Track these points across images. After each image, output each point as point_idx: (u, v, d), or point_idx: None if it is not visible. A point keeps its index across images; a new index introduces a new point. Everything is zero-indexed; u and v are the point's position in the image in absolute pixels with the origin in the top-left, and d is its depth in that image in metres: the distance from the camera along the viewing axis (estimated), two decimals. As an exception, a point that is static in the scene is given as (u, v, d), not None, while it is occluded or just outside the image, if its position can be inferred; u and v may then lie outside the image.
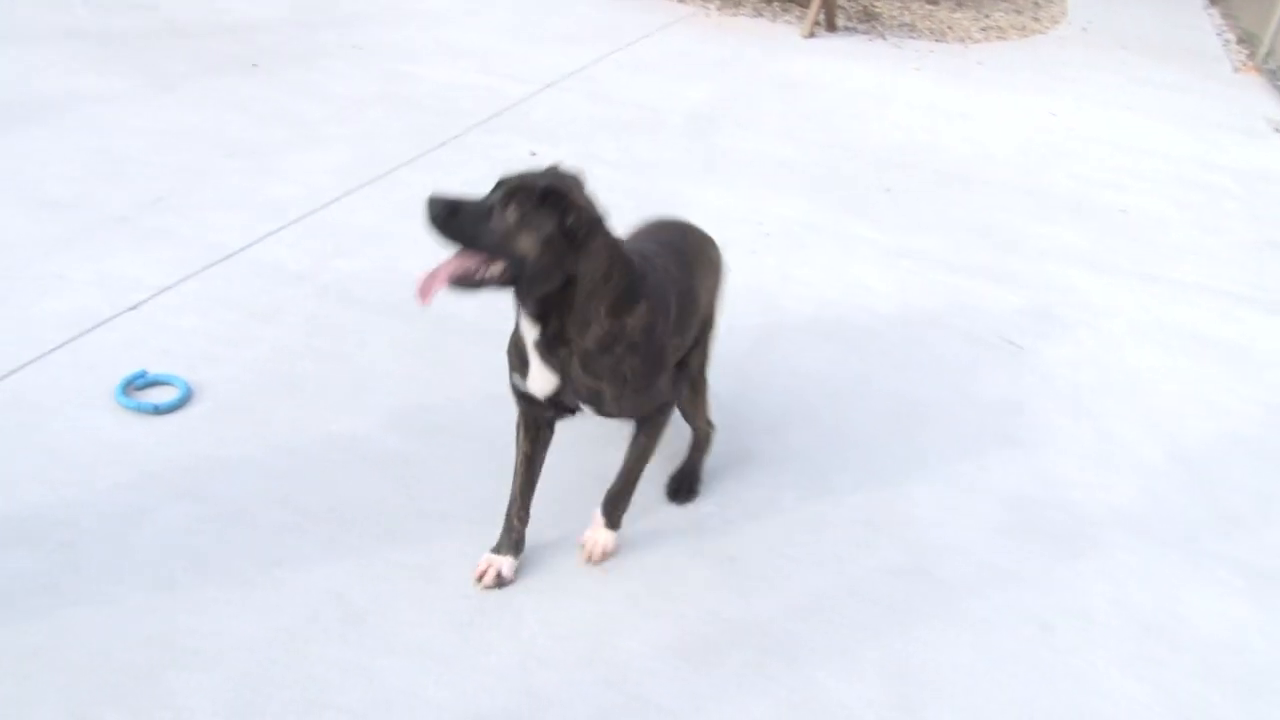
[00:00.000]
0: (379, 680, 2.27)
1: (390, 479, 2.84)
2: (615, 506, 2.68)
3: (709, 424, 3.03)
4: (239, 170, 4.43)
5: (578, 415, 2.52)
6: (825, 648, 2.51)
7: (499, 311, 3.61)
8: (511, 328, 2.46)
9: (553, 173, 2.32)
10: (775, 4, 8.70)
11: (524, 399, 2.50)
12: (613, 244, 2.31)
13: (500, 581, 2.55)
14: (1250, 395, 3.86)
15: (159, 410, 2.96)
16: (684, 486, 3.00)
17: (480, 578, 2.54)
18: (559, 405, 2.47)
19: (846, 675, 2.45)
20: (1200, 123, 7.21)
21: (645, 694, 2.32)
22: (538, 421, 2.57)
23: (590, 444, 3.05)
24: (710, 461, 3.06)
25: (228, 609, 2.39)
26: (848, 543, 2.85)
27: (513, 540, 2.61)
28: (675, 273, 2.59)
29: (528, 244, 2.15)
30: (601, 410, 2.44)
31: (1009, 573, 2.84)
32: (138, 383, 3.05)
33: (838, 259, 4.38)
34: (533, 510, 2.62)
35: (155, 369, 3.11)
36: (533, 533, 2.65)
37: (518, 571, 2.59)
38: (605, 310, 2.29)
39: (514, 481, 2.60)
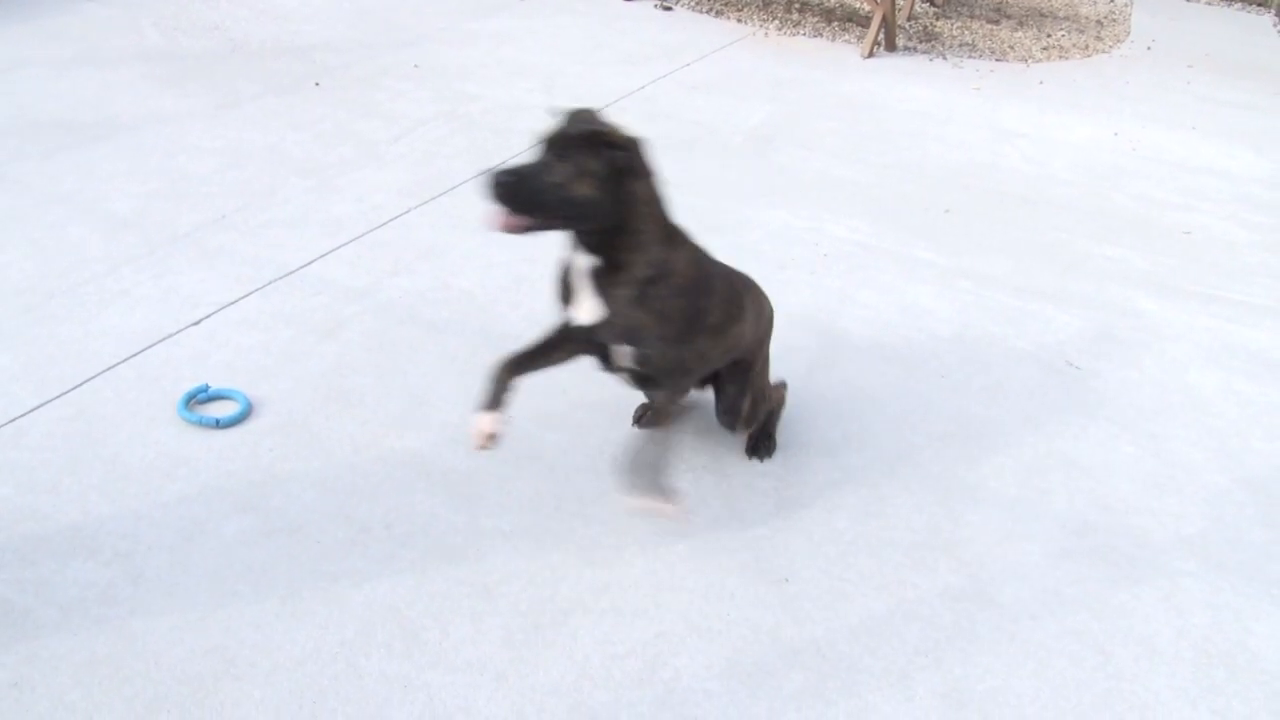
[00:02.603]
0: (433, 696, 2.28)
1: (448, 495, 2.85)
2: (635, 475, 2.55)
3: (780, 388, 3.22)
4: (301, 188, 4.50)
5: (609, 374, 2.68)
6: (883, 672, 2.48)
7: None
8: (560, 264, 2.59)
9: (586, 117, 2.44)
10: (834, 24, 8.68)
11: (562, 336, 2.63)
12: (654, 174, 2.50)
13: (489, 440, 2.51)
14: (1320, 421, 3.78)
15: (220, 424, 3.00)
16: (760, 445, 3.18)
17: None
18: (594, 344, 2.60)
19: (905, 700, 2.42)
20: (1268, 142, 7.07)
21: (700, 715, 2.31)
22: (562, 355, 2.69)
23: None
24: (764, 483, 3.05)
25: (285, 623, 2.41)
26: (905, 566, 2.82)
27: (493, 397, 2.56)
28: (723, 273, 2.77)
29: (586, 190, 2.32)
30: (637, 347, 2.52)
31: (1070, 599, 2.79)
32: (200, 397, 3.10)
33: (897, 280, 4.34)
34: (592, 534, 2.62)
35: (217, 384, 3.16)
36: (588, 553, 2.65)
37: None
38: (656, 238, 2.49)
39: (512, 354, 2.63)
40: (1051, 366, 3.86)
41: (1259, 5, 12.14)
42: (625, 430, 3.21)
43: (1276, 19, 11.55)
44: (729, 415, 2.99)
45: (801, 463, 3.18)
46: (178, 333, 3.42)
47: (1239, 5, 12.19)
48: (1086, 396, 3.74)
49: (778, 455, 3.17)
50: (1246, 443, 3.59)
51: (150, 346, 3.33)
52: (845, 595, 2.69)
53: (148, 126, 4.94)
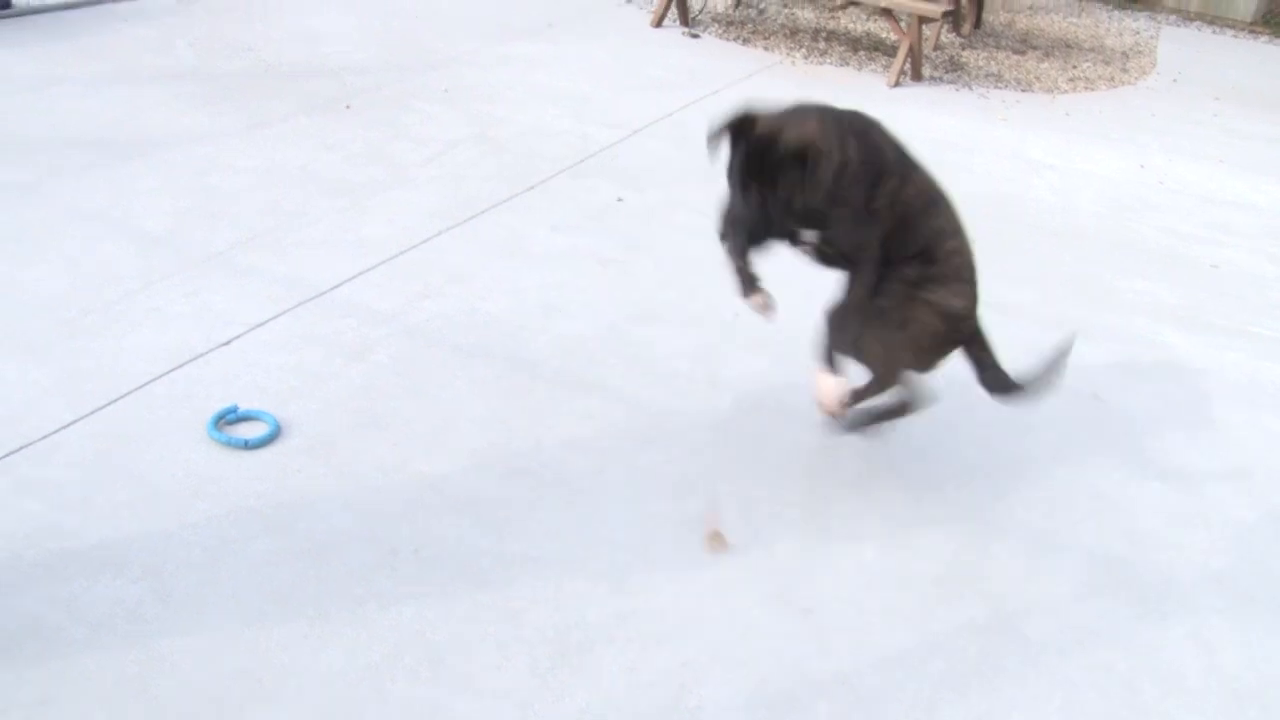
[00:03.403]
0: (459, 721, 2.28)
1: (475, 520, 2.86)
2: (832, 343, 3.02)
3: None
4: (332, 209, 4.53)
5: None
6: (910, 704, 2.47)
7: (586, 357, 3.66)
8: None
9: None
10: (861, 53, 8.71)
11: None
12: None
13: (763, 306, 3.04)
14: (1350, 458, 3.75)
15: (249, 445, 3.02)
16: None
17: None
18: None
19: (929, 735, 2.41)
20: (1296, 176, 7.06)
21: (724, 746, 2.31)
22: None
23: (667, 494, 3.05)
24: (790, 514, 3.05)
25: (312, 644, 2.42)
26: (931, 598, 2.81)
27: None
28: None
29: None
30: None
31: (1096, 633, 2.78)
32: (229, 417, 3.11)
33: (922, 309, 4.34)
34: (618, 561, 2.62)
35: (246, 404, 3.18)
36: (615, 580, 2.66)
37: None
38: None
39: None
40: (1079, 399, 3.85)
41: (1286, 38, 12.13)
42: (651, 456, 3.21)
43: (1304, 52, 11.54)
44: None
45: (828, 494, 3.18)
46: (208, 352, 3.44)
47: (1265, 37, 12.18)
48: (1114, 430, 3.73)
49: (804, 485, 3.17)
50: (1274, 478, 3.57)
51: (181, 365, 3.35)
52: (871, 627, 2.68)
53: (181, 145, 4.99)
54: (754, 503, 3.07)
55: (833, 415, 3.08)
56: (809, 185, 2.73)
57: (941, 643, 2.67)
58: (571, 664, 2.46)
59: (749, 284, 3.03)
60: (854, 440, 3.41)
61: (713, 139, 2.79)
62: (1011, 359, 4.00)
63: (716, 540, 2.89)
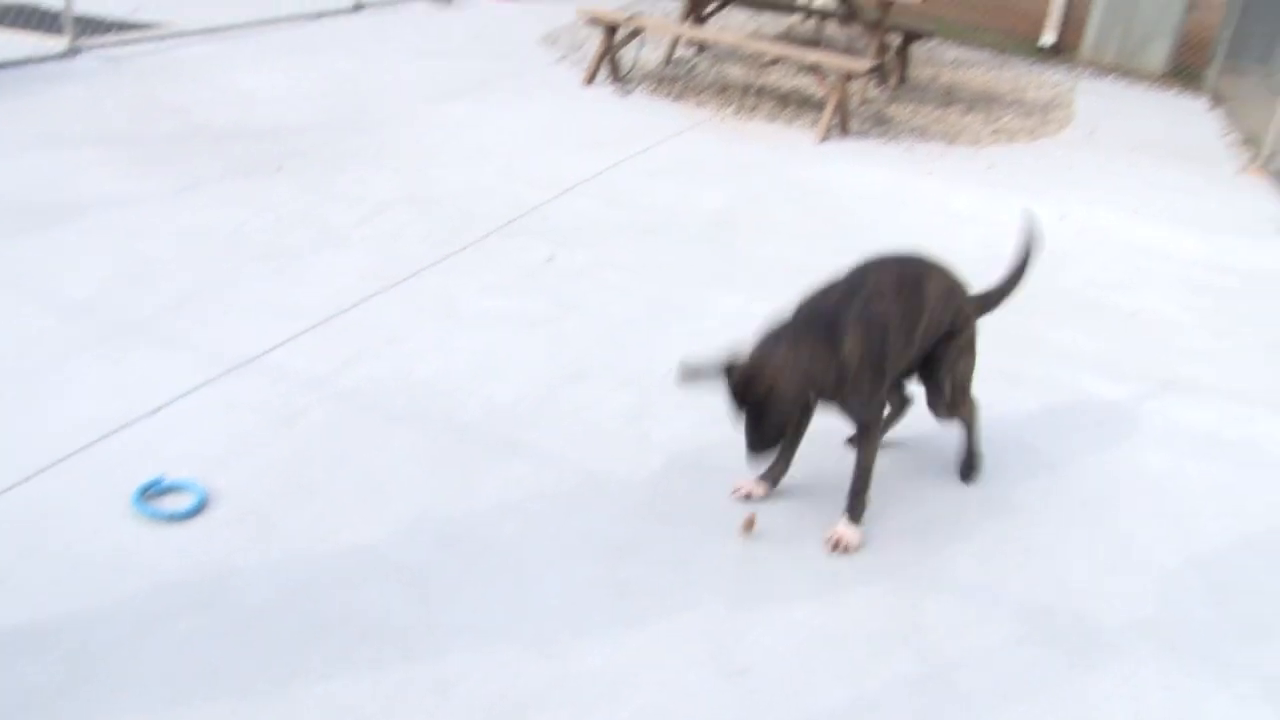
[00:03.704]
0: (390, 797, 2.25)
1: (406, 590, 2.84)
2: (855, 502, 3.29)
3: (971, 407, 3.67)
4: (262, 273, 4.51)
5: None
6: (841, 765, 2.48)
7: (517, 420, 3.66)
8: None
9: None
10: (790, 108, 8.86)
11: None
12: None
13: (749, 495, 3.39)
14: (1266, 499, 3.85)
15: (175, 517, 2.98)
16: (969, 466, 3.74)
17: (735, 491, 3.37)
18: None
19: (863, 794, 2.41)
20: (1208, 224, 7.27)
21: (659, 813, 2.29)
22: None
23: (599, 557, 3.05)
24: (722, 574, 3.06)
25: (240, 722, 2.38)
26: (866, 655, 2.83)
27: (772, 475, 3.45)
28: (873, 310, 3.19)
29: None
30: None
31: (1029, 684, 2.81)
32: (154, 489, 3.07)
33: (852, 363, 4.40)
34: (548, 627, 2.61)
35: (172, 475, 3.14)
36: (545, 646, 2.64)
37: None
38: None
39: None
40: (1006, 449, 3.92)
41: (1194, 90, 12.52)
42: (583, 519, 3.21)
43: (1210, 104, 11.92)
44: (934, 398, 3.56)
45: (760, 553, 3.20)
46: (134, 422, 3.40)
47: (1175, 90, 12.57)
48: (1041, 479, 3.79)
49: (736, 546, 3.18)
50: (1196, 523, 3.65)
51: (105, 436, 3.30)
52: (807, 687, 2.69)
53: (108, 209, 4.94)
54: (686, 563, 3.08)
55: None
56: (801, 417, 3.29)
57: (878, 700, 2.69)
58: (504, 734, 2.44)
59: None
60: (783, 498, 3.44)
61: (687, 378, 3.11)
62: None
63: (750, 526, 3.25)
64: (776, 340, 3.06)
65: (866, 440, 3.30)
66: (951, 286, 3.48)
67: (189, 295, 4.24)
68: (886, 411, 3.51)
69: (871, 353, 3.11)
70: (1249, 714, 2.82)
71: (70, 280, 4.24)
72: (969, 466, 3.75)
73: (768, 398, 2.95)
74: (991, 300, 3.74)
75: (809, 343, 3.03)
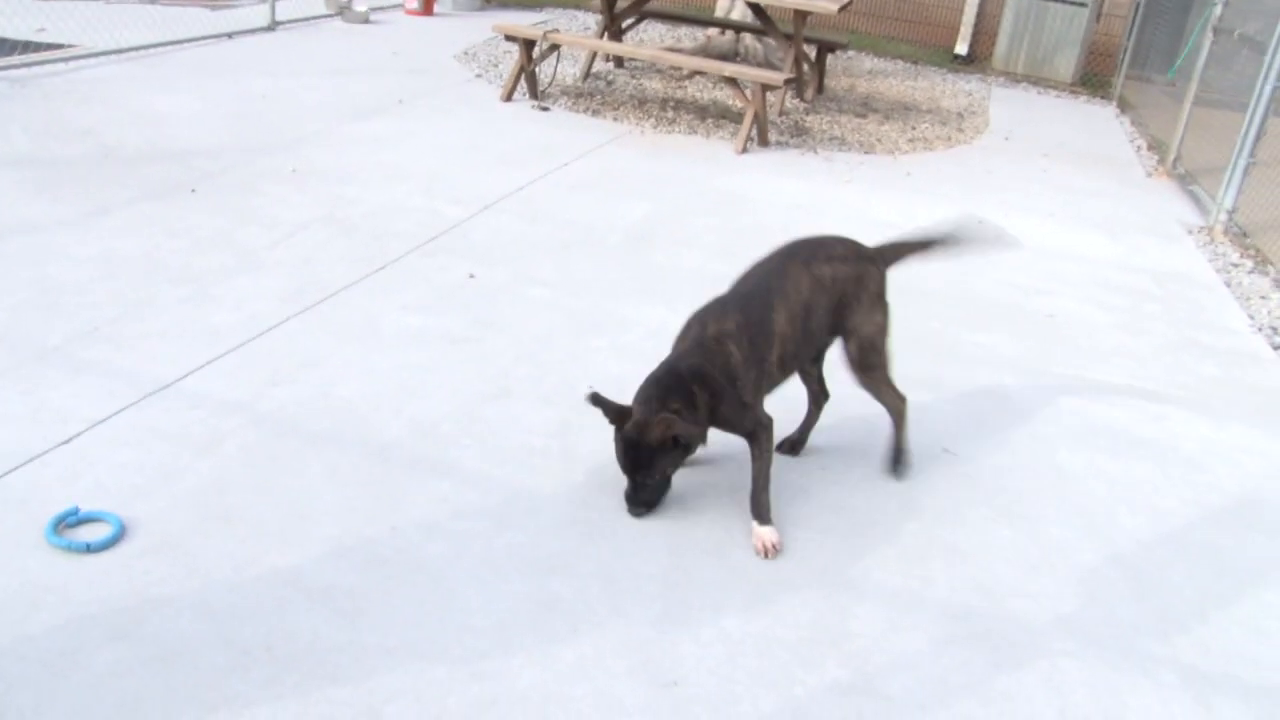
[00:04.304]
0: (319, 826, 2.21)
1: (331, 613, 2.80)
2: (757, 505, 3.36)
3: (898, 398, 3.78)
4: (177, 298, 4.42)
5: None
6: (773, 773, 2.49)
7: (440, 439, 3.63)
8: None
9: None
10: (709, 121, 8.92)
11: None
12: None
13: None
14: (1180, 494, 3.94)
15: (91, 548, 2.91)
16: (896, 461, 3.84)
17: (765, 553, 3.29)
18: None
19: (796, 800, 2.42)
20: (1119, 227, 7.45)
21: (592, 829, 2.28)
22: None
23: (526, 573, 3.03)
24: (650, 586, 3.06)
25: (161, 756, 2.32)
26: (794, 663, 2.85)
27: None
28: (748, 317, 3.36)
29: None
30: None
31: (956, 686, 2.85)
32: (69, 520, 2.99)
33: (775, 372, 4.43)
34: (478, 647, 2.59)
35: (88, 505, 3.07)
36: (475, 665, 2.62)
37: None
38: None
39: None
40: (929, 454, 3.98)
41: (1102, 98, 12.84)
42: (509, 536, 3.20)
43: (1118, 111, 12.23)
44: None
45: (687, 563, 3.20)
46: (46, 452, 3.31)
47: (1084, 97, 12.89)
48: (963, 482, 3.85)
49: (664, 557, 3.19)
50: (1114, 519, 3.73)
51: (16, 468, 3.22)
52: (735, 696, 2.70)
53: (15, 235, 4.83)
54: (613, 577, 3.08)
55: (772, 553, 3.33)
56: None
57: (806, 708, 2.70)
58: (434, 756, 2.41)
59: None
60: (710, 509, 3.46)
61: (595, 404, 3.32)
62: (861, 415, 4.13)
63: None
64: (659, 390, 3.22)
65: (757, 448, 3.36)
66: (841, 261, 3.63)
67: (102, 321, 4.15)
68: (794, 407, 3.72)
69: (747, 384, 3.29)
70: (1170, 704, 2.88)
71: (-23, 309, 4.12)
72: (897, 461, 3.84)
73: (652, 457, 3.22)
74: (894, 253, 3.88)
75: (683, 393, 3.21)
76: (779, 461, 3.77)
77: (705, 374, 3.23)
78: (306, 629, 2.73)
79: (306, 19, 10.78)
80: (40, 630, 2.62)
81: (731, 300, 3.43)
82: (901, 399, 3.79)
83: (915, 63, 13.47)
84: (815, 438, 3.93)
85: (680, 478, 3.49)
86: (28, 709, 2.40)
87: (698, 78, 10.35)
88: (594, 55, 10.08)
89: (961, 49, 13.95)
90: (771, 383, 3.45)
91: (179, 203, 5.51)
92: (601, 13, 9.84)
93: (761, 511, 3.35)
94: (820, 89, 10.47)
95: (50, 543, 2.91)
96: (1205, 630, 3.20)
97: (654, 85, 9.98)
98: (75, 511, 3.02)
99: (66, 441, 3.38)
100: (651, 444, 3.17)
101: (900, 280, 5.74)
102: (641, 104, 9.17)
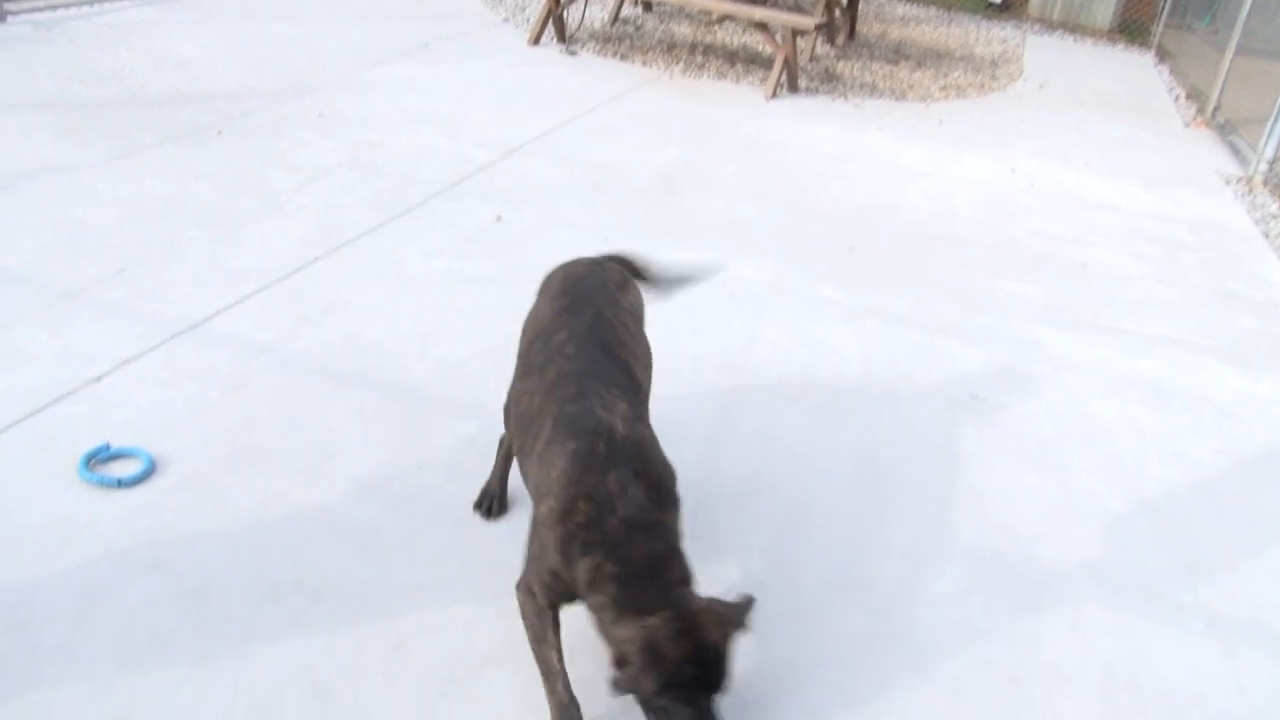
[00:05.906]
0: (346, 757, 2.24)
1: (358, 550, 2.81)
2: None
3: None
4: (203, 240, 4.43)
5: None
6: (798, 712, 2.50)
7: (466, 380, 3.63)
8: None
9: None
10: (738, 66, 8.82)
11: None
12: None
13: None
14: (1210, 444, 3.90)
15: (122, 484, 2.93)
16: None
17: None
18: None
19: (820, 740, 2.43)
20: (1155, 177, 7.34)
21: (617, 764, 2.30)
22: None
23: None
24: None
25: (192, 687, 2.35)
26: (818, 607, 2.85)
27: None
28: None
29: None
30: None
31: (979, 630, 2.84)
32: (100, 456, 3.02)
33: (803, 320, 4.41)
34: (504, 584, 2.60)
35: (118, 442, 3.09)
36: (501, 603, 2.63)
37: None
38: None
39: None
40: (957, 401, 3.95)
41: (1141, 46, 12.62)
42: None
43: (1156, 60, 12.01)
44: None
45: (711, 507, 3.20)
46: (76, 391, 3.33)
47: (1122, 45, 12.67)
48: (991, 429, 3.82)
49: (687, 502, 3.18)
50: (1143, 469, 3.70)
51: (47, 406, 3.24)
52: (761, 639, 2.70)
53: (43, 177, 4.83)
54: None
55: None
56: None
57: (829, 650, 2.70)
58: (460, 691, 2.43)
59: None
60: (739, 451, 3.45)
61: None
62: (891, 363, 4.10)
63: None
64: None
65: None
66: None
67: (129, 262, 4.15)
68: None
69: None
70: (1195, 650, 2.87)
71: (7, 250, 4.14)
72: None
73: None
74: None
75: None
76: (813, 409, 3.76)
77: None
78: (335, 565, 2.75)
79: (332, -37, 10.68)
80: (74, 564, 2.65)
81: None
82: None
83: (949, 9, 13.26)
84: (844, 386, 3.90)
85: (705, 424, 3.47)
86: (63, 640, 2.43)
87: (727, 22, 10.22)
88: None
89: (996, -5, 13.74)
90: None
91: (204, 146, 5.50)
92: (630, -44, 9.74)
93: None
94: (852, 34, 10.33)
95: (82, 478, 2.93)
96: (1232, 579, 3.18)
97: (683, 29, 9.86)
98: (106, 448, 3.04)
99: (96, 380, 3.40)
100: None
101: (926, 228, 5.72)
102: (670, 48, 9.07)
